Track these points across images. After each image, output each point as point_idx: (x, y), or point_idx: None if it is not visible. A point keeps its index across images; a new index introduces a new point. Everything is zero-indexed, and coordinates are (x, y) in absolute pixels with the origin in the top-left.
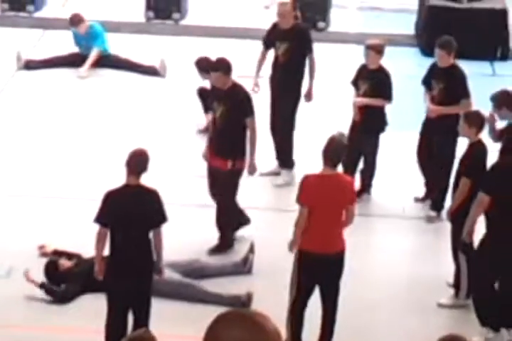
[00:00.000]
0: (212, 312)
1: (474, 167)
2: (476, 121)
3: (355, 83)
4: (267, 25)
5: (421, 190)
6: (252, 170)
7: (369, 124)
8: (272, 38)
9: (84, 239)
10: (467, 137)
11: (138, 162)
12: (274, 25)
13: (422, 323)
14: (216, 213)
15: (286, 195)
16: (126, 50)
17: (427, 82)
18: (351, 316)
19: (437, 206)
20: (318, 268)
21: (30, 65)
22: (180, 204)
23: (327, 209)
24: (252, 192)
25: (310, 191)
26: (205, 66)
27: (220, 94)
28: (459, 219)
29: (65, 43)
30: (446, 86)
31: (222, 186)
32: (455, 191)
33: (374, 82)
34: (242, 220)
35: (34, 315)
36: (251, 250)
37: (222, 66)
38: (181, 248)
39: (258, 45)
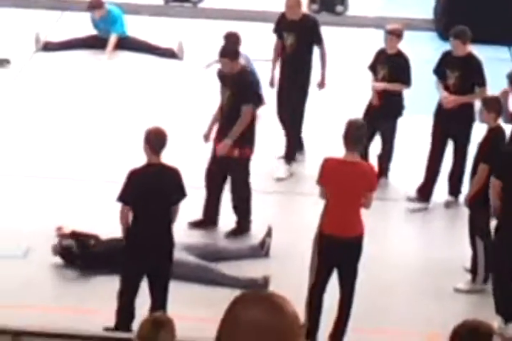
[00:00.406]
0: (229, 294)
1: (492, 153)
2: (495, 106)
3: (373, 68)
4: (283, 8)
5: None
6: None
7: (388, 109)
8: (280, 28)
9: (101, 220)
10: (486, 123)
11: (157, 140)
12: (282, 15)
13: (439, 308)
14: (233, 198)
15: (303, 179)
16: (145, 33)
17: (439, 71)
18: (368, 300)
19: (454, 191)
20: (337, 251)
21: (48, 47)
22: (196, 186)
23: (345, 194)
24: (268, 177)
25: (329, 174)
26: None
27: (227, 79)
28: (477, 204)
29: (83, 25)
30: (462, 74)
31: (235, 173)
32: (473, 177)
33: (393, 67)
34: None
35: (50, 296)
36: (268, 234)
37: (229, 52)
38: (198, 231)
39: (269, 28)
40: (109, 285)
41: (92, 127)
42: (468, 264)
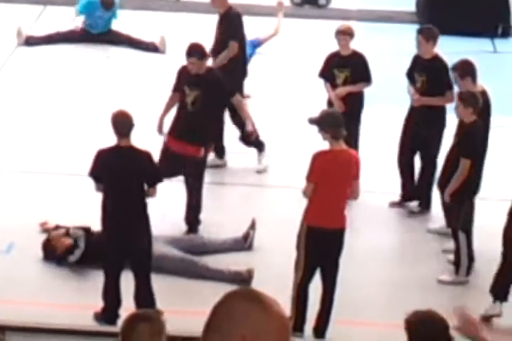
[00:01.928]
0: (218, 289)
1: (473, 147)
2: (471, 100)
3: (330, 74)
4: (266, 2)
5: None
6: None
7: (352, 110)
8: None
9: (83, 214)
10: (463, 118)
11: (123, 123)
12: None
13: (422, 300)
14: (188, 202)
15: (287, 172)
16: (127, 27)
17: (410, 74)
18: (351, 292)
19: (424, 204)
20: (324, 243)
21: (30, 41)
22: (178, 179)
23: (334, 185)
24: (252, 170)
25: (320, 168)
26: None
27: (195, 78)
28: (459, 198)
29: (65, 19)
30: (427, 78)
31: (197, 175)
32: (445, 173)
33: (353, 68)
34: None
35: (33, 291)
36: (252, 227)
37: (197, 51)
38: (178, 224)
39: (257, 22)
40: (91, 281)
41: (75, 121)
42: (451, 256)
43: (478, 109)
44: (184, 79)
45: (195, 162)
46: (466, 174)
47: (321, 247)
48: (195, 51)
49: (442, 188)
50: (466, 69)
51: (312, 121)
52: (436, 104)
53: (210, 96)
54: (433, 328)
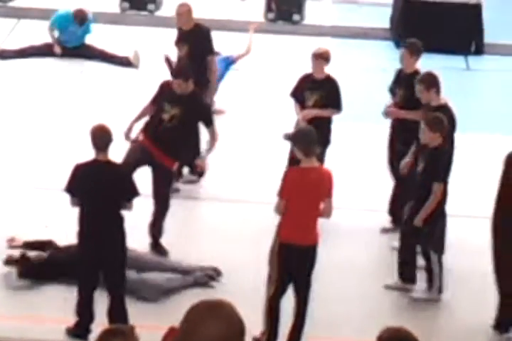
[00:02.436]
0: (189, 303)
1: (443, 170)
2: (438, 126)
3: (301, 95)
4: (243, 17)
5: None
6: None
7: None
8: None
9: (55, 230)
10: (429, 142)
11: (101, 137)
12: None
13: (396, 317)
14: (156, 212)
15: (260, 188)
16: (101, 41)
17: (392, 89)
18: (325, 308)
19: (398, 221)
20: (296, 260)
21: (4, 55)
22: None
23: (306, 201)
24: (226, 186)
25: (291, 185)
26: None
27: (177, 97)
28: (431, 221)
29: (39, 33)
30: (405, 93)
31: (165, 183)
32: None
33: (324, 92)
34: None
35: (2, 304)
36: (218, 273)
37: (183, 73)
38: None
39: (234, 37)
40: (63, 294)
41: (48, 135)
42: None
43: (445, 133)
44: (166, 95)
45: (167, 170)
46: (440, 197)
47: (293, 263)
48: (181, 73)
49: (409, 213)
50: (432, 81)
51: (287, 137)
52: (410, 118)
53: (189, 118)
54: None
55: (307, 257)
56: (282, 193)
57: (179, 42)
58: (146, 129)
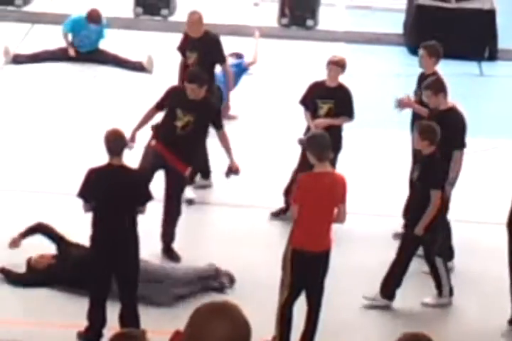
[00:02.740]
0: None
1: (439, 177)
2: (429, 135)
3: (311, 103)
4: (256, 23)
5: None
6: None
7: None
8: (183, 46)
9: (68, 234)
10: (421, 149)
11: (115, 141)
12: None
13: (408, 322)
14: (168, 217)
15: (273, 193)
16: (115, 46)
17: (417, 92)
18: (335, 316)
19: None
20: (309, 266)
21: (18, 60)
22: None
23: (320, 207)
24: (238, 191)
25: (305, 191)
26: None
27: (190, 103)
28: (433, 228)
29: (53, 38)
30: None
31: (178, 187)
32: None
33: (338, 100)
34: None
35: (15, 310)
36: (231, 280)
37: (198, 78)
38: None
39: (247, 43)
40: (78, 299)
41: (61, 140)
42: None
43: (436, 142)
44: (177, 101)
45: (179, 175)
46: (439, 203)
47: (306, 269)
48: (197, 78)
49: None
50: (439, 86)
51: (301, 142)
52: (420, 112)
53: (202, 123)
54: None
55: (320, 263)
56: (295, 198)
57: (187, 49)
58: (157, 135)
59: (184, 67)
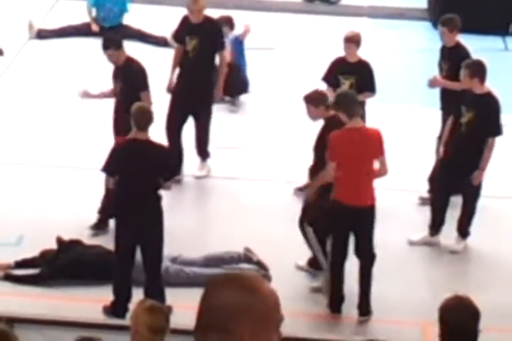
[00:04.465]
0: None
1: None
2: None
3: (336, 79)
4: None
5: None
6: None
7: None
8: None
9: (87, 208)
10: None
11: (142, 116)
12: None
13: (433, 297)
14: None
15: (292, 168)
16: (138, 21)
17: (439, 64)
18: (385, 290)
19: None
20: (351, 219)
21: (42, 34)
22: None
23: (355, 162)
24: (261, 165)
25: (338, 147)
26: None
27: (116, 70)
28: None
29: (77, 13)
30: (450, 65)
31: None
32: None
33: (360, 76)
34: None
35: (42, 284)
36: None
37: (112, 42)
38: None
39: (271, 18)
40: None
41: (84, 114)
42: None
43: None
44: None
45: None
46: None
47: (345, 222)
48: (110, 42)
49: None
50: (477, 70)
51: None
52: (452, 88)
53: (130, 90)
54: (465, 315)
55: (365, 217)
56: (330, 156)
57: (187, 35)
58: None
59: (182, 53)
